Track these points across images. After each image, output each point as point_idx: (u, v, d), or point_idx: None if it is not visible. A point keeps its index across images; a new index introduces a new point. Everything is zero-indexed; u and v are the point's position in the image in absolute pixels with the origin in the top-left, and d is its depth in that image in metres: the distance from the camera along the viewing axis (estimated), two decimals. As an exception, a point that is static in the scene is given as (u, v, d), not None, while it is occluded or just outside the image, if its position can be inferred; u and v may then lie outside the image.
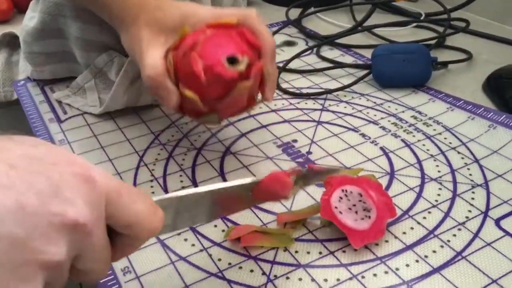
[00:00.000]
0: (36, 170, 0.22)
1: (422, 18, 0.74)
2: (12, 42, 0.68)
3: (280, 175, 0.35)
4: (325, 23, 0.77)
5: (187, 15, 0.42)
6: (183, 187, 0.44)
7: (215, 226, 0.39)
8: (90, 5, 0.49)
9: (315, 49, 0.68)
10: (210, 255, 0.37)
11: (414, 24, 0.73)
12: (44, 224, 0.21)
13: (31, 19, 0.58)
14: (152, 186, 0.44)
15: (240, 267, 0.36)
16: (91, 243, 0.24)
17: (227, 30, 0.40)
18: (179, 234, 0.39)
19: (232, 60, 0.37)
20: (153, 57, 0.40)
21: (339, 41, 0.69)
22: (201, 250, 0.37)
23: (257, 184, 0.34)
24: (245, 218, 0.40)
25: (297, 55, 0.65)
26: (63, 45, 0.57)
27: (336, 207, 0.38)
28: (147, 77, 0.40)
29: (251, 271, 0.35)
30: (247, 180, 0.33)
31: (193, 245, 0.38)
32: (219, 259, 0.36)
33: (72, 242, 0.22)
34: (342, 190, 0.39)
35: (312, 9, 0.80)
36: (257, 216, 0.40)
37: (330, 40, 0.68)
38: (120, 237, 0.26)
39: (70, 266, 0.24)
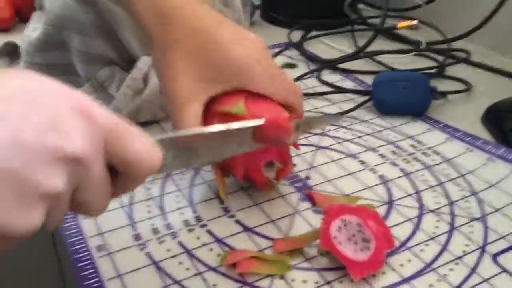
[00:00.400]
0: (33, 102, 0.22)
1: (422, 46, 0.74)
2: (12, 52, 0.68)
3: (281, 120, 0.35)
4: (327, 47, 0.77)
5: (239, 70, 0.38)
6: (179, 208, 0.43)
7: (211, 250, 0.39)
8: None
9: (316, 73, 0.68)
10: (204, 280, 0.36)
11: (414, 52, 0.73)
12: (42, 157, 0.21)
13: (34, 30, 0.58)
14: (148, 205, 0.44)
15: (235, 294, 0.35)
16: (90, 176, 0.24)
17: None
18: (173, 256, 0.38)
19: (270, 164, 0.41)
20: (192, 118, 0.37)
21: (340, 65, 0.69)
22: (195, 275, 0.37)
23: (257, 128, 0.33)
24: (241, 241, 0.40)
25: (298, 78, 0.65)
26: (65, 58, 0.57)
27: (335, 237, 0.38)
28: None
29: (246, 298, 0.35)
30: (248, 123, 0.33)
31: (187, 268, 0.37)
32: (214, 285, 0.36)
33: (71, 175, 0.23)
34: (341, 220, 0.39)
35: (314, 33, 0.80)
36: (253, 241, 0.40)
37: (331, 65, 0.69)
38: (120, 174, 0.27)
39: (71, 198, 0.24)
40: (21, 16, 0.79)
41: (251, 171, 0.41)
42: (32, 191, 0.21)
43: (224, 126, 0.33)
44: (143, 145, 0.26)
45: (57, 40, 0.56)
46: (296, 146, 0.44)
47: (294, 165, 0.44)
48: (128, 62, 0.56)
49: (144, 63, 0.54)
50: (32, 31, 0.58)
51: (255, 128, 0.34)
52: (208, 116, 0.40)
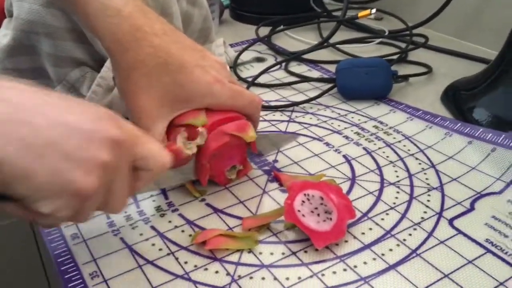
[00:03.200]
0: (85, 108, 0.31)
1: (385, 34, 0.77)
2: (-15, 60, 0.69)
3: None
4: (293, 40, 0.80)
5: (200, 94, 0.41)
6: (152, 195, 0.45)
7: (182, 231, 0.41)
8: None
9: (283, 64, 0.70)
10: (176, 258, 0.38)
11: (378, 41, 0.76)
12: (96, 139, 0.29)
13: (4, 36, 0.59)
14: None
15: (206, 269, 0.37)
16: (119, 177, 0.32)
17: (239, 141, 0.43)
18: (147, 239, 0.40)
19: (232, 167, 0.45)
20: (158, 132, 0.41)
21: (306, 56, 0.71)
22: (168, 254, 0.38)
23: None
24: (211, 222, 0.41)
25: (266, 70, 0.67)
26: (36, 61, 0.59)
27: (299, 211, 0.40)
28: None
29: (216, 272, 0.37)
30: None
31: (160, 249, 0.39)
32: (185, 262, 0.38)
33: (103, 178, 0.30)
34: (305, 194, 0.41)
35: (282, 27, 0.83)
36: (223, 221, 0.42)
37: (297, 56, 0.71)
38: (139, 172, 0.34)
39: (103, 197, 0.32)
40: (-7, 27, 0.80)
41: (215, 176, 0.45)
42: (91, 158, 0.29)
43: None
44: (155, 145, 0.34)
45: (26, 44, 0.57)
46: (254, 149, 0.46)
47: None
48: (98, 62, 0.58)
49: (113, 62, 0.55)
50: (2, 38, 0.59)
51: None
52: (171, 129, 0.42)
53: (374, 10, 0.67)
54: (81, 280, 0.36)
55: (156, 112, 0.41)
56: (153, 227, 0.41)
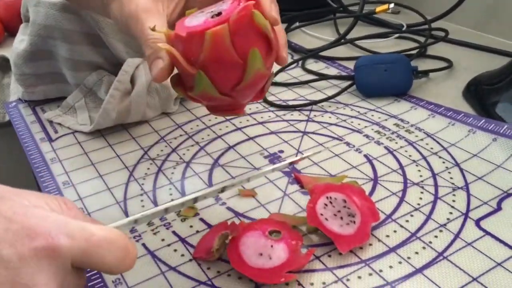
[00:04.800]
0: None
1: (403, 29, 0.76)
2: (3, 65, 0.70)
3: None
4: (310, 37, 0.79)
5: None
6: (173, 200, 0.45)
7: (204, 236, 0.40)
8: None
9: (300, 62, 0.69)
10: (199, 265, 0.38)
11: (396, 35, 0.75)
12: None
13: (21, 42, 0.59)
14: (142, 200, 0.45)
15: (229, 275, 0.37)
16: None
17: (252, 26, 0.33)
18: (169, 245, 0.40)
19: (218, 13, 0.34)
20: (158, 26, 0.35)
21: (323, 53, 0.70)
22: (190, 260, 0.38)
23: None
24: (233, 227, 0.41)
25: (283, 69, 0.67)
26: (53, 66, 0.59)
27: (321, 214, 0.39)
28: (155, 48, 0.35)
29: (239, 278, 0.36)
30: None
31: (182, 255, 0.39)
32: (208, 268, 0.37)
33: None
34: (327, 197, 0.40)
35: (297, 24, 0.82)
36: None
37: (314, 53, 0.70)
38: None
39: None
40: (10, 30, 0.81)
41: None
42: None
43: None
44: (114, 256, 0.26)
45: (44, 49, 0.57)
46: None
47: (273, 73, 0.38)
48: (114, 66, 0.57)
49: (130, 65, 0.55)
50: (19, 43, 0.59)
51: None
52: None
53: (392, 5, 0.65)
54: (104, 288, 0.36)
55: (154, 9, 0.37)
56: (174, 232, 0.41)
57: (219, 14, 0.34)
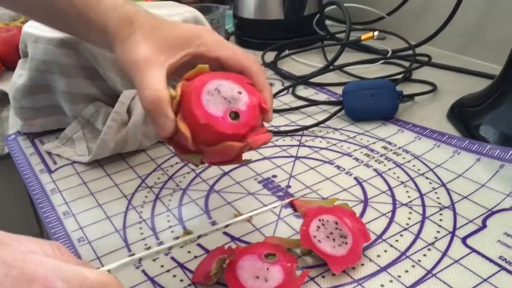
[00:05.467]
0: None
1: (389, 55, 0.79)
2: (1, 99, 0.72)
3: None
4: (299, 64, 0.82)
5: (191, 37, 0.42)
6: (170, 227, 0.46)
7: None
8: (72, 18, 0.47)
9: (290, 89, 0.72)
10: (198, 289, 0.39)
11: (382, 61, 0.78)
12: None
13: (20, 76, 0.61)
14: (141, 228, 0.46)
15: (227, 298, 0.38)
16: None
17: (241, 80, 0.39)
18: (168, 271, 0.41)
19: (235, 115, 0.38)
20: (155, 78, 0.39)
21: (312, 80, 0.73)
22: (189, 285, 0.39)
23: None
24: (230, 251, 0.42)
25: (274, 95, 0.69)
26: (52, 99, 0.61)
27: (315, 236, 0.41)
28: (148, 100, 0.38)
29: (237, 300, 0.38)
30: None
31: (181, 280, 0.40)
32: (207, 292, 0.39)
33: None
34: (319, 220, 0.42)
35: (287, 52, 0.84)
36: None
37: (304, 80, 0.73)
38: None
39: None
40: (7, 65, 0.83)
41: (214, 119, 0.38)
42: None
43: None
44: None
45: (42, 84, 0.59)
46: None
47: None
48: (111, 98, 0.59)
49: (126, 96, 0.57)
50: (18, 78, 0.61)
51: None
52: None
53: (376, 33, 0.68)
54: (106, 314, 0.37)
55: (151, 57, 0.40)
56: (173, 258, 0.42)
57: (237, 114, 0.38)
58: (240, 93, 0.38)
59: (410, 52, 0.76)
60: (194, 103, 0.37)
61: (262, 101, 0.39)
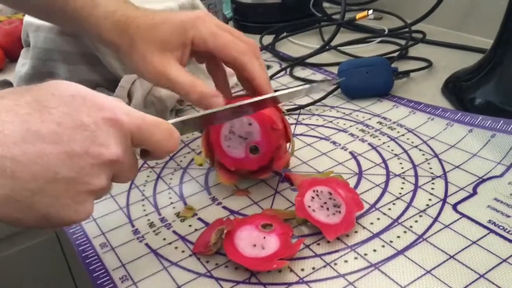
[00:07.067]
0: (76, 124, 0.30)
1: (385, 33, 0.80)
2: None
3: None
4: (297, 45, 0.83)
5: (184, 29, 0.44)
6: (172, 203, 0.48)
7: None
8: (71, 27, 0.52)
9: (288, 70, 0.73)
10: (198, 259, 0.41)
11: (378, 40, 0.78)
12: (88, 165, 0.30)
13: (23, 65, 0.63)
14: (143, 205, 0.48)
15: (226, 266, 0.40)
16: (123, 169, 0.33)
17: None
18: (170, 243, 0.43)
19: (255, 148, 0.46)
20: (180, 74, 0.44)
21: (309, 61, 0.74)
22: (190, 255, 0.41)
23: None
24: (229, 224, 0.44)
25: (272, 77, 0.70)
26: (54, 86, 0.62)
27: (309, 206, 0.42)
28: (197, 96, 0.43)
29: (236, 268, 0.39)
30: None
31: (183, 251, 0.42)
32: (207, 261, 0.40)
33: (109, 172, 0.32)
34: (314, 191, 0.43)
35: (284, 34, 0.86)
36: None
37: (301, 61, 0.74)
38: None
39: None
40: (11, 57, 0.85)
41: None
42: (83, 190, 0.31)
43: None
44: (162, 135, 0.34)
45: (44, 71, 0.61)
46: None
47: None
48: (112, 83, 0.61)
49: (126, 81, 0.59)
50: (21, 67, 0.63)
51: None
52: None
53: (371, 11, 0.69)
54: (112, 285, 0.39)
55: (167, 62, 0.44)
56: (175, 232, 0.44)
57: (256, 148, 0.46)
58: (250, 124, 0.45)
59: (406, 30, 0.77)
60: (220, 155, 0.46)
61: (272, 123, 0.45)
